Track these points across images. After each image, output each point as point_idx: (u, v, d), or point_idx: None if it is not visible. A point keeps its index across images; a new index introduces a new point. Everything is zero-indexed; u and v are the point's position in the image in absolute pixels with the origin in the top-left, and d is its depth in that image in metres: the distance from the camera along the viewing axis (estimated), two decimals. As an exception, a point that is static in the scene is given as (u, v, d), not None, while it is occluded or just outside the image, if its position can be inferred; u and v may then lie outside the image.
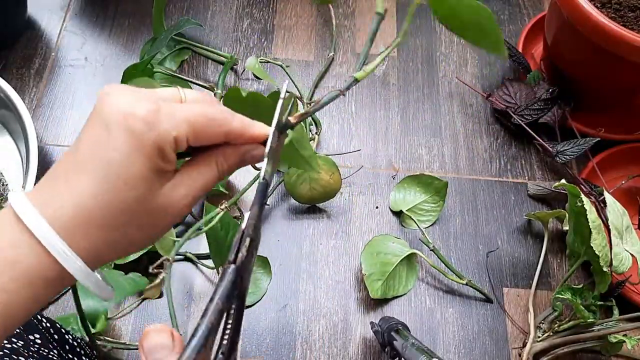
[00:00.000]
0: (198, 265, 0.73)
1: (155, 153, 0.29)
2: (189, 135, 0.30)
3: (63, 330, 0.57)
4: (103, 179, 0.28)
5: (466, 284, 0.73)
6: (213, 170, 0.32)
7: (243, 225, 0.29)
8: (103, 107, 0.29)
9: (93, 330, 0.65)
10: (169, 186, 0.31)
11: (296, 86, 0.83)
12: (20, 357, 0.44)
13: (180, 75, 0.82)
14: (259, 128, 0.33)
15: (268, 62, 0.87)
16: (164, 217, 0.31)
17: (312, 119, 0.82)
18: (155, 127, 0.28)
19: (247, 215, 0.30)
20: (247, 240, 0.29)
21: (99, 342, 0.65)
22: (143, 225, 0.30)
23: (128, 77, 0.74)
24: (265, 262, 0.73)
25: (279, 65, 0.86)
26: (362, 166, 0.82)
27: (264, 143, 0.33)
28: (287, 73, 0.84)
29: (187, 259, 0.73)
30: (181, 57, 0.89)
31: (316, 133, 0.82)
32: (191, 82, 0.83)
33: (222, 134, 0.31)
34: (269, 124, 0.34)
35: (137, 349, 0.66)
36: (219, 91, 0.81)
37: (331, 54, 0.91)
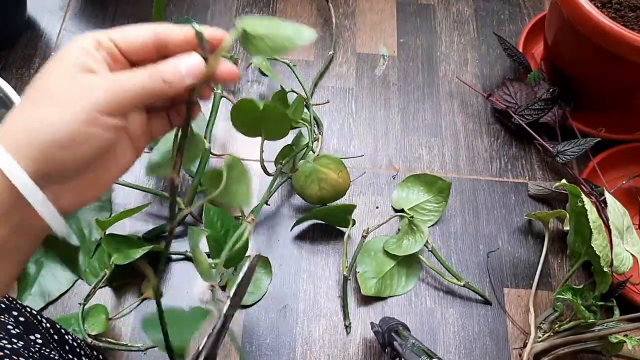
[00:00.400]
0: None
1: (75, 48, 0.32)
2: (115, 36, 0.33)
3: (63, 331, 0.57)
4: (32, 86, 0.32)
5: (464, 286, 0.73)
6: (142, 72, 0.32)
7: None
8: None
9: (94, 333, 0.65)
10: (92, 74, 0.32)
11: (302, 86, 0.82)
12: (20, 358, 0.44)
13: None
14: (187, 29, 0.34)
15: (275, 59, 0.87)
16: (87, 100, 0.31)
17: (314, 119, 0.82)
18: (82, 36, 0.33)
19: (204, 340, 0.31)
20: None
21: (100, 344, 0.65)
22: (69, 108, 0.31)
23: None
24: (265, 262, 0.73)
25: (285, 63, 0.85)
26: (365, 172, 0.82)
27: (203, 57, 0.33)
28: (293, 72, 0.83)
29: (187, 258, 0.73)
30: (181, 57, 0.89)
31: (319, 133, 0.82)
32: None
33: (150, 33, 0.33)
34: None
35: (137, 350, 0.66)
36: (219, 91, 0.81)
37: (330, 52, 0.91)
